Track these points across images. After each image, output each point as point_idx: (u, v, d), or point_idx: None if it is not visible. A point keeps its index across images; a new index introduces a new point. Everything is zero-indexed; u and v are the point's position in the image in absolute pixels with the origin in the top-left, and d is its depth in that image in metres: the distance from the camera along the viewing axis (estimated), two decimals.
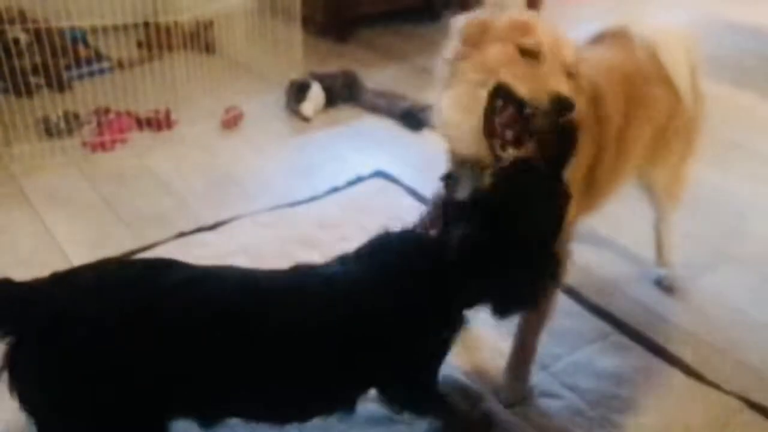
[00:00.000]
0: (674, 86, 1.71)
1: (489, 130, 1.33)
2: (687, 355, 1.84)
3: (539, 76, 1.28)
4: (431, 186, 2.50)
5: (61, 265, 2.03)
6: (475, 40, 1.38)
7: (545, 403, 1.68)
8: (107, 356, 1.18)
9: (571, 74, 1.33)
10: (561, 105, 1.24)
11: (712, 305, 2.04)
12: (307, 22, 3.47)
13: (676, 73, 1.70)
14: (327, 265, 1.42)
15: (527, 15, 1.40)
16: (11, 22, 2.72)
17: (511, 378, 1.69)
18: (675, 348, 1.87)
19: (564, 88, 1.27)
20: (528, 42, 1.30)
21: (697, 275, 2.15)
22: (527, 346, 1.67)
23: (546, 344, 1.85)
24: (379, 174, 2.61)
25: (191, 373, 1.22)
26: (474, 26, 1.39)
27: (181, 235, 2.22)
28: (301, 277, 1.37)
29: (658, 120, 1.71)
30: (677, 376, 1.78)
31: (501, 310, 1.34)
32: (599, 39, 1.78)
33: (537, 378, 1.74)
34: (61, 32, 2.86)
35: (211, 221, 2.29)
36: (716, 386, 1.75)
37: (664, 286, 2.09)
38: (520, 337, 1.67)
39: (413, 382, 1.42)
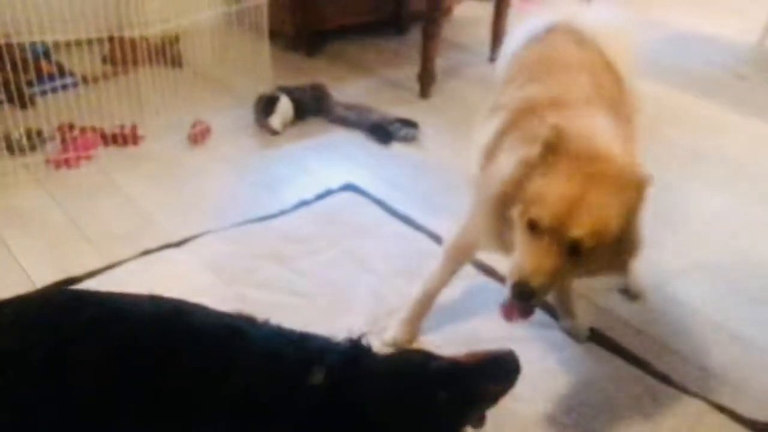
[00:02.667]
0: (617, 75, 1.77)
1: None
2: (654, 361, 1.87)
3: (532, 250, 1.34)
4: (399, 198, 2.52)
5: (22, 285, 2.01)
6: (513, 196, 1.41)
7: (518, 408, 1.68)
8: (27, 392, 1.16)
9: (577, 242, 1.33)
10: (520, 294, 1.34)
11: (677, 312, 2.08)
12: (276, 36, 3.46)
13: (618, 62, 1.77)
14: (266, 329, 1.32)
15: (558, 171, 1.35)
16: None
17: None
18: (643, 354, 1.89)
19: (548, 264, 1.32)
20: (531, 215, 1.34)
21: (663, 283, 2.18)
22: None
23: (517, 351, 1.86)
24: (349, 187, 2.61)
25: (103, 410, 1.19)
26: (512, 184, 1.41)
27: (148, 252, 2.19)
28: (231, 329, 1.27)
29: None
30: (646, 381, 1.80)
31: None
32: (548, 32, 1.85)
33: None
34: (22, 47, 2.81)
35: (177, 238, 2.26)
36: (683, 390, 1.78)
37: (631, 294, 2.11)
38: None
39: None
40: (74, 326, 1.23)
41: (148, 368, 1.21)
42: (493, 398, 1.23)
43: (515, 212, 1.40)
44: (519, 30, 1.96)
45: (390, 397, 1.17)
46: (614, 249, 1.36)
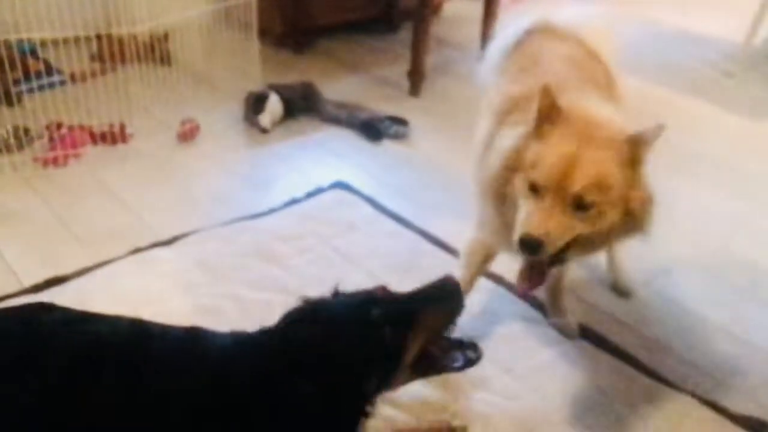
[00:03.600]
0: (602, 64, 1.81)
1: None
2: (643, 356, 1.88)
3: (536, 208, 1.37)
4: (390, 196, 2.52)
5: (10, 284, 1.99)
6: (513, 167, 1.46)
7: (508, 404, 1.69)
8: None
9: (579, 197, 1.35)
10: (526, 246, 1.35)
11: (666, 308, 2.09)
12: (265, 34, 3.45)
13: (602, 53, 1.83)
14: (221, 336, 1.35)
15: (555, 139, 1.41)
16: None
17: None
18: (632, 350, 1.90)
19: (554, 219, 1.35)
20: (530, 178, 1.39)
21: (652, 279, 2.20)
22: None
23: (507, 348, 1.87)
24: (339, 185, 2.60)
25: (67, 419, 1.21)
26: (512, 154, 1.46)
27: (137, 251, 2.17)
28: (192, 340, 1.31)
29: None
30: (635, 377, 1.81)
31: None
32: (531, 33, 1.87)
33: (501, 381, 1.76)
34: (9, 45, 2.79)
35: (167, 236, 2.25)
36: (672, 385, 1.79)
37: (620, 290, 2.13)
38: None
39: None
40: (41, 332, 1.26)
41: (120, 368, 1.24)
42: (436, 321, 1.22)
43: (517, 181, 1.43)
44: (500, 37, 1.98)
45: (328, 322, 1.20)
46: (625, 206, 1.39)
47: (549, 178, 1.35)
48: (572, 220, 1.36)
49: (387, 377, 1.21)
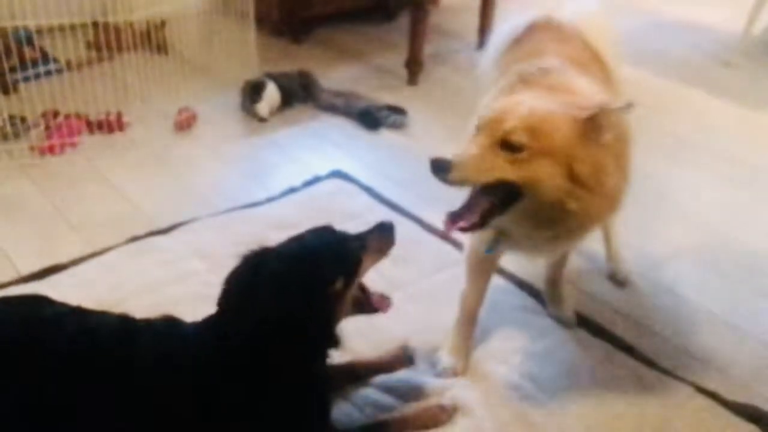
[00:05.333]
0: (602, 63, 1.79)
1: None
2: (641, 345, 1.89)
3: (471, 143, 1.41)
4: (388, 185, 2.52)
5: (7, 275, 1.99)
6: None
7: (506, 394, 1.70)
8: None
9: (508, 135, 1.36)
10: (432, 166, 1.41)
11: (664, 297, 2.09)
12: (262, 22, 3.44)
13: (602, 49, 1.81)
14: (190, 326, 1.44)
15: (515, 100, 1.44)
16: None
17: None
18: (630, 339, 1.91)
19: (474, 150, 1.38)
20: (476, 122, 1.43)
21: (649, 268, 2.20)
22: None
23: (504, 338, 1.88)
24: (337, 174, 2.60)
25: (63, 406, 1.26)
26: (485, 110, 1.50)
27: (134, 239, 2.17)
28: (171, 329, 1.42)
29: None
30: (632, 365, 1.81)
31: None
32: (531, 29, 1.85)
33: (497, 370, 1.76)
34: (5, 33, 2.78)
35: (164, 225, 2.25)
36: (669, 373, 1.80)
37: (618, 279, 2.13)
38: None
39: None
40: (39, 322, 1.32)
41: (112, 358, 1.30)
42: (379, 247, 1.52)
43: None
44: (499, 33, 1.95)
45: (316, 240, 1.49)
46: (568, 164, 1.34)
47: (485, 117, 1.38)
48: (497, 158, 1.35)
49: (347, 285, 1.42)
